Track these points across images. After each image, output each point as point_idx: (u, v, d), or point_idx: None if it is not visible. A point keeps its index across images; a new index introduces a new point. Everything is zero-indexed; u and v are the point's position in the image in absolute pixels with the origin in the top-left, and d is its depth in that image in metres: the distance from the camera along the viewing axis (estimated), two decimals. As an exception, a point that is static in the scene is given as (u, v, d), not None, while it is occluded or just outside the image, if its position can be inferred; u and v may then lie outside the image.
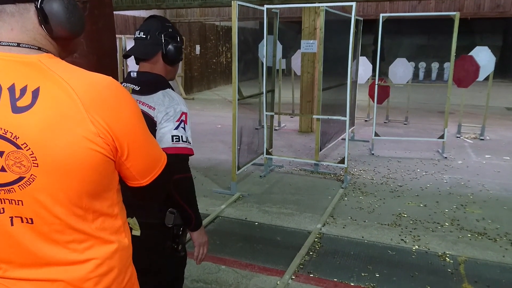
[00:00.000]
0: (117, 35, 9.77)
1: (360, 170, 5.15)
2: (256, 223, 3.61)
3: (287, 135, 7.23)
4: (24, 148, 0.81)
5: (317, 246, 3.20)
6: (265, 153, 4.94)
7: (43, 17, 0.86)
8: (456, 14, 5.34)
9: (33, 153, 0.81)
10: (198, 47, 13.69)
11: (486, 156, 5.80)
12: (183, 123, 1.49)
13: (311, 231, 3.43)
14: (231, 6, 4.16)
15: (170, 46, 1.58)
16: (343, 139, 6.68)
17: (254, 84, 8.16)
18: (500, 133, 7.21)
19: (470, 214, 3.82)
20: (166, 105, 1.49)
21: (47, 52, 0.88)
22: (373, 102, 6.26)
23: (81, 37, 0.98)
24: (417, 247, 3.19)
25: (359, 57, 7.51)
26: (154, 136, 1.46)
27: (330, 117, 4.83)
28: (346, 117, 4.52)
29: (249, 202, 4.09)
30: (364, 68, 7.76)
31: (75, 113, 0.82)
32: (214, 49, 14.90)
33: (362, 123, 8.06)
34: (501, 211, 3.90)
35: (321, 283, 2.71)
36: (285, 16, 11.10)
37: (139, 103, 1.51)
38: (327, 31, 4.66)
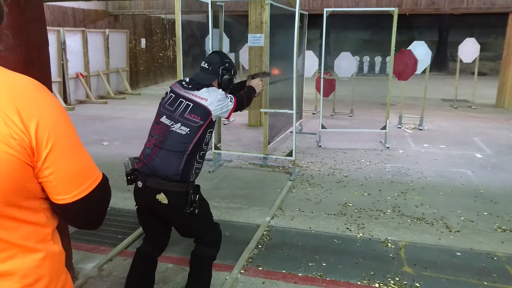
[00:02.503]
0: (55, 28, 9.26)
1: (308, 162, 5.26)
2: (205, 219, 3.56)
3: (236, 129, 7.22)
4: None
5: (265, 239, 3.22)
6: (213, 148, 4.90)
7: None
8: (395, 10, 5.57)
9: None
10: (143, 41, 13.28)
11: (424, 145, 6.14)
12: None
13: (259, 224, 3.45)
14: (174, -2, 4.05)
15: (225, 77, 2.29)
16: (291, 132, 6.81)
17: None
18: (436, 123, 7.65)
19: (410, 201, 4.02)
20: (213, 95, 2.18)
21: None
22: (320, 95, 6.41)
23: (4, 28, 0.90)
24: (361, 234, 3.31)
25: (306, 51, 7.65)
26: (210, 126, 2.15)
27: (277, 110, 4.87)
28: (293, 110, 4.57)
29: (197, 198, 4.03)
30: (311, 62, 7.91)
31: None
32: (161, 42, 14.53)
33: (310, 116, 8.23)
34: (438, 197, 4.14)
35: (270, 275, 2.73)
36: (233, 9, 11.03)
37: (192, 95, 2.17)
38: (272, 25, 4.68)
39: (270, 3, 4.56)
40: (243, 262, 2.85)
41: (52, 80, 9.25)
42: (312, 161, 5.32)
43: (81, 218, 0.95)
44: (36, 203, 0.87)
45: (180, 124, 2.10)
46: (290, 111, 4.60)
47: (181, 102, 2.16)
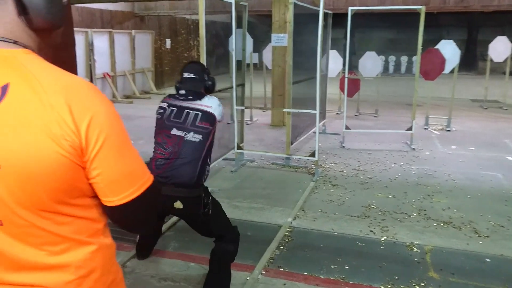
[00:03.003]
0: (83, 29, 9.50)
1: (331, 163, 5.19)
2: (227, 219, 3.57)
3: (259, 129, 7.21)
4: None
5: (287, 240, 3.19)
6: (236, 148, 4.90)
7: (22, 8, 0.82)
8: (422, 8, 5.43)
9: None
10: (168, 41, 13.46)
11: (452, 147, 5.96)
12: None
13: (281, 225, 3.43)
14: (198, -2, 4.07)
15: (210, 83, 2.50)
16: (314, 132, 6.74)
17: (226, 78, 8.08)
18: (465, 124, 7.43)
19: (436, 204, 3.91)
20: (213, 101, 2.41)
21: (24, 47, 0.83)
22: (344, 95, 6.33)
23: (61, 29, 0.93)
24: (385, 237, 3.24)
25: (330, 50, 7.57)
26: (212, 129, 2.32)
27: (300, 110, 4.83)
28: (316, 110, 4.52)
29: (219, 197, 4.02)
30: (335, 62, 7.82)
31: (42, 113, 0.76)
32: (185, 43, 14.69)
33: (334, 116, 8.14)
34: (466, 200, 4.01)
35: (291, 276, 2.71)
36: (256, 9, 11.03)
37: (198, 105, 2.33)
38: (296, 24, 4.64)
39: (294, 2, 4.53)
40: (264, 263, 2.83)
41: (80, 80, 9.53)
42: (335, 162, 5.26)
43: (129, 221, 0.95)
44: (88, 201, 0.87)
45: (193, 132, 2.25)
46: (313, 111, 4.56)
47: (188, 113, 2.30)
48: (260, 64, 9.82)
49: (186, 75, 2.43)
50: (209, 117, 2.32)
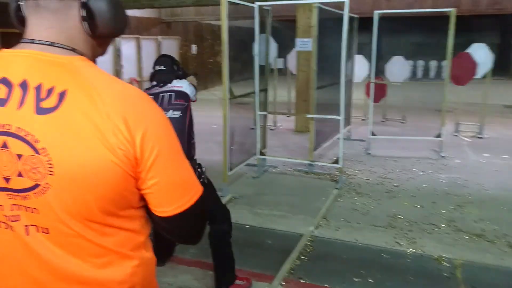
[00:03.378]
0: (111, 35, 9.70)
1: (356, 170, 5.05)
2: (247, 226, 3.50)
3: (282, 134, 7.13)
4: (42, 153, 0.76)
5: (308, 250, 3.09)
6: (258, 154, 4.84)
7: (88, 14, 0.83)
8: (452, 11, 5.23)
9: (50, 160, 0.76)
10: (194, 47, 13.59)
11: (485, 155, 5.70)
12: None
13: (303, 234, 3.33)
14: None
15: (180, 72, 2.63)
16: (339, 138, 6.60)
17: (250, 83, 8.05)
18: (498, 131, 7.11)
19: (467, 215, 3.71)
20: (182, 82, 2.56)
21: (81, 55, 0.84)
22: (370, 100, 6.17)
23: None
24: (412, 250, 3.09)
25: (356, 55, 7.42)
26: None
27: (323, 116, 4.73)
28: (340, 116, 4.41)
29: (240, 204, 3.99)
30: (361, 67, 7.66)
31: (98, 121, 0.76)
32: (211, 48, 14.80)
33: (359, 122, 7.95)
34: (500, 212, 3.79)
35: (312, 289, 2.61)
36: (282, 14, 11.00)
37: (169, 87, 2.50)
38: (321, 29, 4.56)
39: (319, 7, 4.45)
40: (284, 273, 2.74)
41: (108, 85, 9.73)
42: (360, 169, 5.11)
43: (182, 232, 0.94)
44: (133, 212, 0.87)
45: (172, 110, 2.44)
46: (337, 117, 4.44)
47: (163, 96, 2.50)
48: (286, 69, 9.75)
49: (157, 67, 2.62)
50: (182, 95, 2.51)
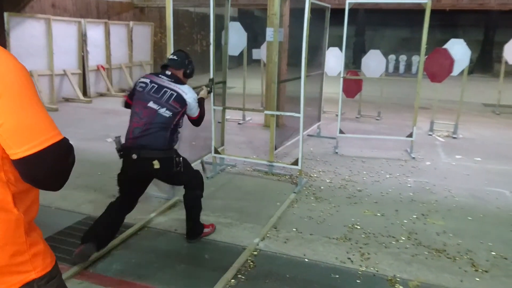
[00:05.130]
0: (76, 19, 9.14)
1: (320, 171, 4.71)
2: (185, 237, 3.13)
3: (250, 130, 6.76)
4: None
5: (249, 267, 2.73)
6: (213, 152, 4.45)
7: None
8: (427, 3, 4.89)
9: None
10: (170, 34, 13.03)
11: (457, 156, 5.43)
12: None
13: (246, 246, 2.97)
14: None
15: (190, 67, 2.99)
16: (309, 135, 6.26)
17: (219, 74, 7.62)
18: (474, 131, 6.86)
19: (430, 226, 3.41)
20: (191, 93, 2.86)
21: None
22: (345, 96, 5.83)
23: None
24: (364, 268, 2.76)
25: (331, 48, 7.05)
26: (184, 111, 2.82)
27: (283, 113, 4.36)
28: (300, 114, 4.03)
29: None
30: (337, 60, 7.30)
31: None
32: (188, 36, 14.25)
33: (334, 118, 7.61)
34: (465, 223, 3.50)
35: (242, 317, 2.26)
36: (259, 3, 10.57)
37: (176, 87, 2.79)
38: (294, 19, 4.19)
39: (281, -8, 4.06)
40: (213, 297, 2.39)
41: (72, 72, 9.20)
42: (324, 170, 4.77)
43: (36, 176, 0.96)
44: None
45: (165, 108, 2.71)
46: (297, 115, 4.07)
47: (166, 91, 2.75)
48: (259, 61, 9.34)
49: (171, 56, 2.97)
50: (180, 100, 2.77)
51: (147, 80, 2.81)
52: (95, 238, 2.62)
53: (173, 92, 2.74)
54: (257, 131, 6.67)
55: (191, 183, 2.91)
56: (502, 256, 2.96)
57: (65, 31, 8.88)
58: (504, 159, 5.33)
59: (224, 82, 4.61)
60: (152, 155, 2.66)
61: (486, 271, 2.76)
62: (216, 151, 4.47)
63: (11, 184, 0.96)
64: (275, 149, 4.61)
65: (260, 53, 8.44)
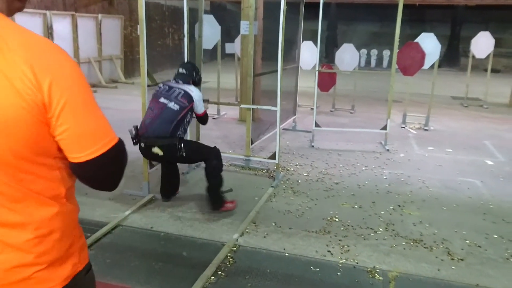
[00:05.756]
0: (40, 11, 8.75)
1: (296, 165, 4.70)
2: (162, 234, 3.05)
3: (225, 124, 6.68)
4: None
5: (228, 263, 2.68)
6: (188, 147, 4.36)
7: None
8: (400, -4, 4.94)
9: None
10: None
11: (429, 148, 5.55)
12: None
13: (225, 242, 2.92)
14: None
15: (197, 77, 3.49)
16: (285, 129, 6.24)
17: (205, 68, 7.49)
18: (444, 123, 7.04)
19: (407, 217, 3.45)
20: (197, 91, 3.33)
21: None
22: (320, 89, 5.83)
23: None
24: (344, 260, 2.76)
25: (306, 41, 7.04)
26: (191, 109, 3.26)
27: (259, 107, 4.31)
28: (277, 107, 4.00)
29: (161, 206, 3.51)
30: (311, 54, 7.31)
31: (5, 69, 0.80)
32: (160, 30, 13.95)
33: (309, 112, 7.63)
34: (440, 213, 3.57)
35: (223, 315, 2.21)
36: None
37: (184, 87, 3.30)
38: (268, 12, 4.14)
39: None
40: (193, 295, 2.32)
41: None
42: (301, 163, 4.76)
43: (95, 178, 0.99)
44: (51, 161, 0.91)
45: (173, 103, 3.14)
46: (274, 108, 4.03)
47: (175, 90, 3.23)
48: (233, 55, 9.24)
49: (180, 70, 3.41)
50: (188, 96, 3.21)
51: (161, 85, 3.33)
52: (167, 191, 3.54)
53: (181, 91, 3.20)
54: (232, 125, 6.60)
55: (207, 156, 3.25)
56: (476, 244, 3.03)
57: (28, 24, 8.50)
58: (473, 150, 5.49)
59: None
60: (155, 143, 3.07)
61: (461, 259, 2.82)
62: (192, 146, 4.37)
63: (64, 180, 0.96)
64: (252, 143, 4.56)
65: (233, 47, 8.36)
